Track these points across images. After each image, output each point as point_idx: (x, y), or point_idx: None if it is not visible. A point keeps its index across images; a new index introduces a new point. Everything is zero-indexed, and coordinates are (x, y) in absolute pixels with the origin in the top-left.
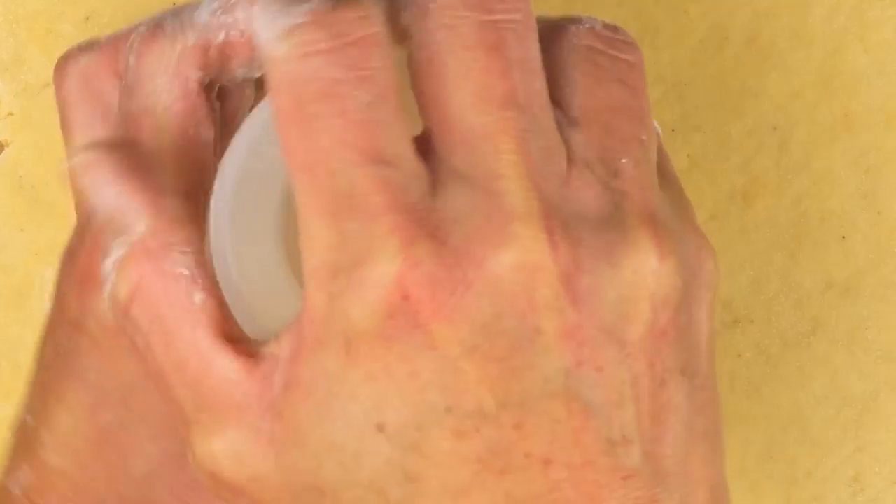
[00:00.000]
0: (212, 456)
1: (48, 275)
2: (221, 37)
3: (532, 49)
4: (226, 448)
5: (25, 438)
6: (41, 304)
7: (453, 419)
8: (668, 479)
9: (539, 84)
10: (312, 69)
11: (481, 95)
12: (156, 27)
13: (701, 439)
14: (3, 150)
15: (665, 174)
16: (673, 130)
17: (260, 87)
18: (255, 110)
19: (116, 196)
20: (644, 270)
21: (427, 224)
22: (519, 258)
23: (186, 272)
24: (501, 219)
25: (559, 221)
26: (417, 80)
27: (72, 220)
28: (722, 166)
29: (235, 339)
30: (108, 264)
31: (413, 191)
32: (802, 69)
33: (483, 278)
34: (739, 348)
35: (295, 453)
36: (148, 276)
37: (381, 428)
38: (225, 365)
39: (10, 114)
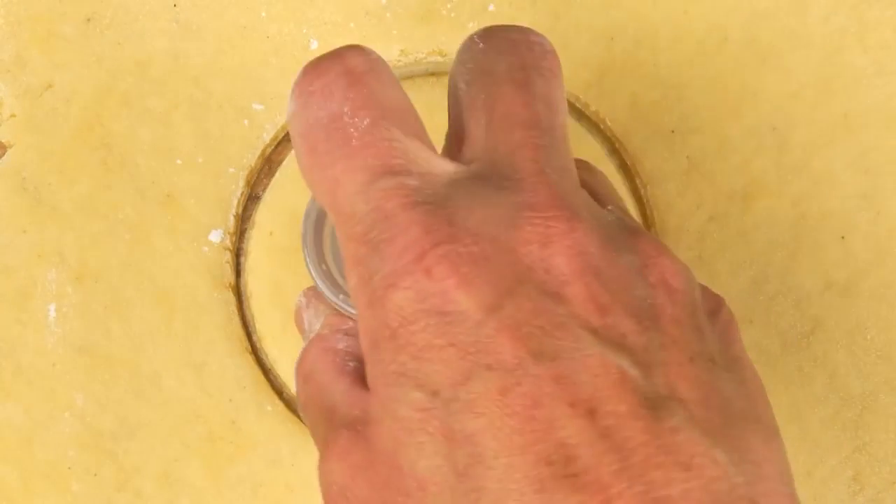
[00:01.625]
0: (328, 464)
1: (50, 276)
2: None
3: (556, 90)
4: (339, 452)
5: None
6: (43, 305)
7: (496, 376)
8: (724, 442)
9: (561, 120)
10: (312, 112)
11: (507, 119)
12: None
13: (753, 422)
14: (5, 151)
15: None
16: (672, 132)
17: None
18: None
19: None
20: (655, 259)
21: (443, 213)
22: (533, 233)
23: (343, 346)
24: (516, 205)
25: (572, 210)
26: (452, 110)
27: (73, 220)
28: (721, 167)
29: None
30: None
31: (428, 189)
32: (801, 70)
33: (500, 251)
34: None
35: (376, 442)
36: (316, 351)
37: (435, 394)
38: (351, 394)
39: (13, 115)
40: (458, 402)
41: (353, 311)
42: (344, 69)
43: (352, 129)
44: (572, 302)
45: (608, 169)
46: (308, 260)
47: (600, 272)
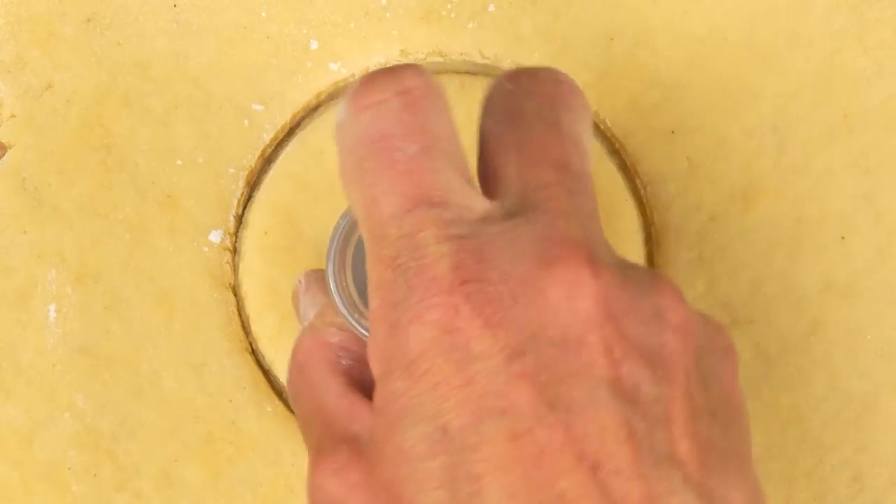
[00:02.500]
0: (322, 476)
1: (50, 276)
2: None
3: (585, 127)
4: (336, 468)
5: None
6: (43, 306)
7: (508, 421)
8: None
9: (589, 162)
10: (365, 124)
11: (538, 158)
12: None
13: (742, 480)
14: (5, 152)
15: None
16: (672, 132)
17: None
18: None
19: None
20: (673, 306)
21: (474, 249)
22: (562, 276)
23: (336, 340)
24: (546, 245)
25: (599, 256)
26: (482, 151)
27: (73, 220)
28: (721, 167)
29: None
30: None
31: (462, 224)
32: (801, 70)
33: (528, 292)
34: (739, 349)
35: (377, 466)
36: (310, 343)
37: (445, 430)
38: (350, 405)
39: (13, 116)
40: (467, 441)
41: (363, 332)
42: (401, 89)
43: (398, 154)
44: (593, 350)
45: (608, 169)
46: (329, 271)
47: (622, 319)
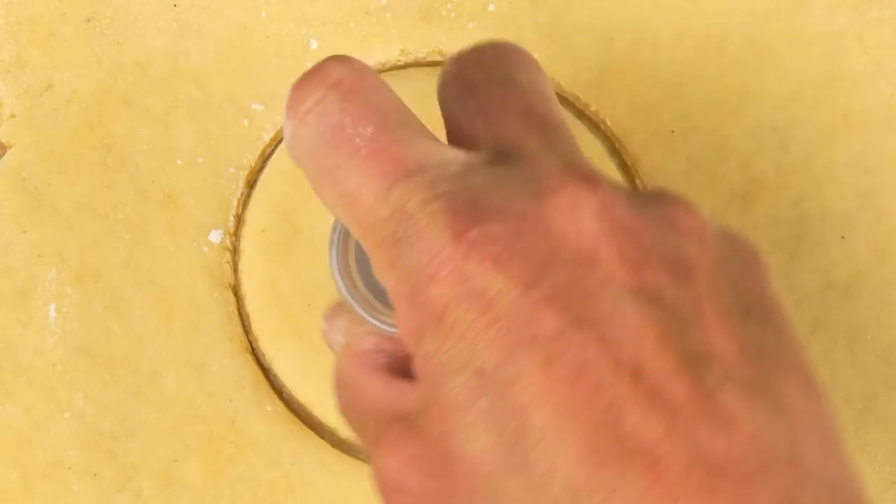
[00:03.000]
0: (383, 459)
1: (50, 276)
2: None
3: (540, 79)
4: (391, 446)
5: None
6: (43, 306)
7: (539, 347)
8: (764, 396)
9: (554, 106)
10: (312, 131)
11: (503, 113)
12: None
13: (789, 373)
14: (5, 151)
15: None
16: (672, 132)
17: None
18: None
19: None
20: (682, 211)
21: (465, 199)
22: (560, 199)
23: (370, 346)
24: (536, 178)
25: (591, 175)
26: (448, 127)
27: (73, 220)
28: (722, 167)
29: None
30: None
31: (444, 180)
32: (801, 70)
33: (529, 224)
34: None
35: (427, 431)
36: (346, 360)
37: (481, 373)
38: (395, 389)
39: (13, 116)
40: (504, 377)
41: (381, 326)
42: (332, 82)
43: (357, 140)
44: (607, 263)
45: (608, 169)
46: (338, 281)
47: (631, 228)
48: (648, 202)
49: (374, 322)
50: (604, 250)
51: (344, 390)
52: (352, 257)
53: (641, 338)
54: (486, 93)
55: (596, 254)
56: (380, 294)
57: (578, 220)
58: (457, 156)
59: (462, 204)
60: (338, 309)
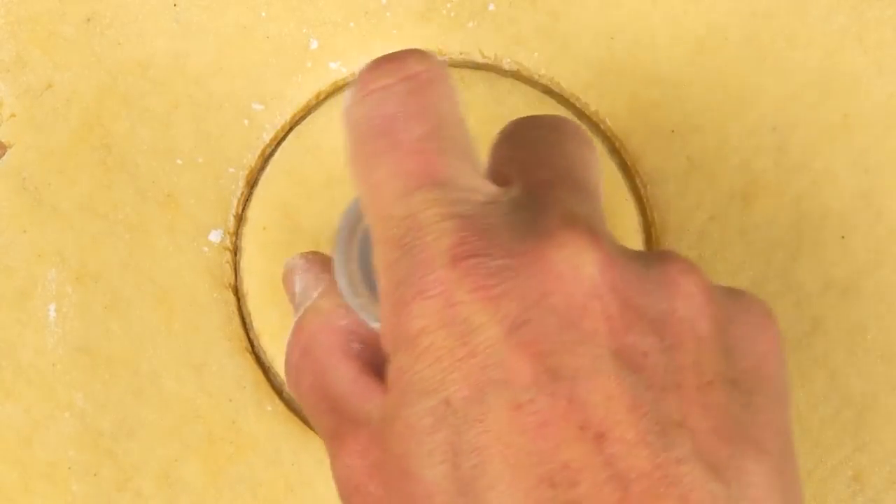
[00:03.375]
0: (349, 458)
1: (50, 276)
2: None
3: (587, 152)
4: (360, 449)
5: None
6: (43, 305)
7: (510, 392)
8: (726, 475)
9: (594, 177)
10: (369, 107)
11: (541, 167)
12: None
13: (762, 452)
14: (5, 151)
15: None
16: (672, 131)
17: None
18: None
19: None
20: (684, 274)
21: (477, 227)
22: (565, 244)
23: (345, 323)
24: (549, 224)
25: (602, 236)
26: (489, 165)
27: (73, 220)
28: (721, 167)
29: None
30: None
31: (466, 204)
32: (801, 70)
33: (530, 264)
34: None
35: (390, 442)
36: (317, 326)
37: (448, 403)
38: (364, 386)
39: (13, 115)
40: (469, 414)
41: (372, 320)
42: (406, 74)
43: (403, 135)
44: (595, 319)
45: (608, 168)
46: (337, 258)
47: (627, 287)
48: (652, 263)
49: (358, 308)
50: (595, 305)
51: (304, 357)
52: (356, 243)
53: (613, 402)
54: (534, 147)
55: (587, 307)
56: (373, 284)
57: (579, 267)
58: (486, 187)
59: (472, 231)
60: (319, 260)
